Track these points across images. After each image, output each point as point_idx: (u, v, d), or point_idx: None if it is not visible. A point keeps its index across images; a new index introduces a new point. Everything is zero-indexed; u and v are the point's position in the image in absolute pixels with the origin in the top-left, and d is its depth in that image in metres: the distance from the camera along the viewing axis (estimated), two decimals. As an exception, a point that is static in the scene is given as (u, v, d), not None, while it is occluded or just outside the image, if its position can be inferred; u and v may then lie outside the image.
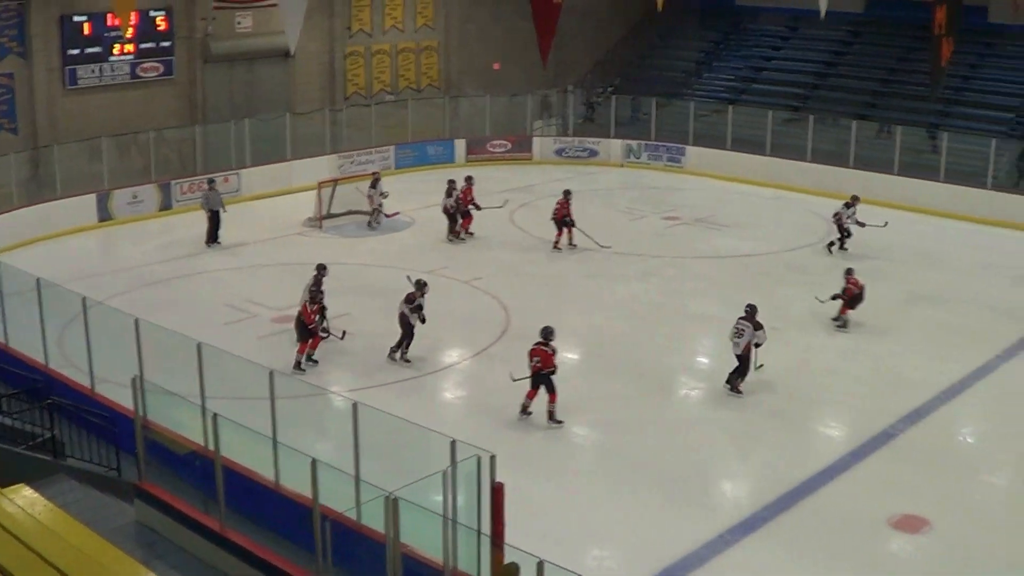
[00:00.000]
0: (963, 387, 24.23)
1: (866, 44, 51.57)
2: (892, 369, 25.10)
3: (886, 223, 33.78)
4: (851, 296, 27.21)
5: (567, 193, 33.32)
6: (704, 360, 26.41)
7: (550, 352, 21.18)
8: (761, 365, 23.65)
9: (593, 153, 47.01)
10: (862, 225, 33.34)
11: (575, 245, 33.18)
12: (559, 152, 47.16)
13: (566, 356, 25.18)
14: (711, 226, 37.27)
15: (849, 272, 27.52)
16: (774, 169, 43.37)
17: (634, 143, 46.89)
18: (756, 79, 51.55)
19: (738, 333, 23.19)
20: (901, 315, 28.84)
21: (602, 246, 33.10)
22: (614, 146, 47.05)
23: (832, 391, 23.95)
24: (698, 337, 27.58)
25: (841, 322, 27.19)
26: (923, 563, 17.66)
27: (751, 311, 23.47)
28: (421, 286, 24.21)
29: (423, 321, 24.14)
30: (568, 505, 18.81)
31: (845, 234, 33.63)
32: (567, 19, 47.29)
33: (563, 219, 32.97)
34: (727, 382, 23.38)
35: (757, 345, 23.23)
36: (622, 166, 46.45)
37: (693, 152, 45.75)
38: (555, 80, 50.53)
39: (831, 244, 33.79)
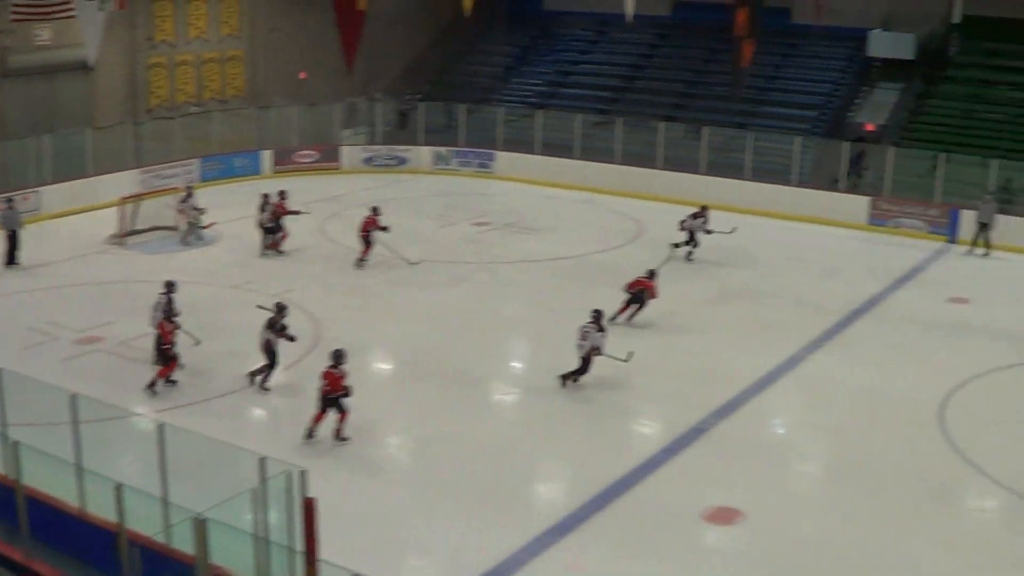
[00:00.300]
0: (773, 379, 24.73)
1: (673, 47, 52.44)
2: (704, 364, 25.43)
3: (734, 229, 34.24)
4: (632, 295, 27.54)
5: (375, 209, 32.83)
6: (517, 365, 26.50)
7: (339, 375, 20.78)
8: (631, 353, 24.04)
9: (402, 161, 46.77)
10: (709, 232, 33.71)
11: (366, 261, 32.63)
12: (368, 161, 46.76)
13: (378, 367, 25.15)
14: (521, 230, 37.42)
15: (649, 275, 27.79)
16: (583, 172, 43.78)
17: (443, 150, 46.85)
18: (564, 83, 51.93)
19: (583, 336, 23.47)
20: (712, 311, 29.31)
21: (410, 263, 32.71)
22: (423, 153, 46.90)
23: (645, 388, 24.12)
24: (510, 342, 27.65)
25: (611, 316, 27.48)
26: (737, 554, 17.87)
27: (597, 316, 23.81)
28: (281, 308, 23.62)
29: (292, 339, 23.56)
30: (384, 517, 18.57)
31: (693, 244, 33.87)
32: (374, 26, 47.19)
33: (368, 234, 32.43)
34: (567, 377, 23.66)
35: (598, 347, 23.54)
36: (432, 173, 46.31)
37: (503, 157, 45.92)
38: (363, 88, 50.27)
39: (689, 252, 33.92)
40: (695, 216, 33.92)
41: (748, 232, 36.38)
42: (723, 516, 18.62)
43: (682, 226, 33.90)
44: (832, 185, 41.21)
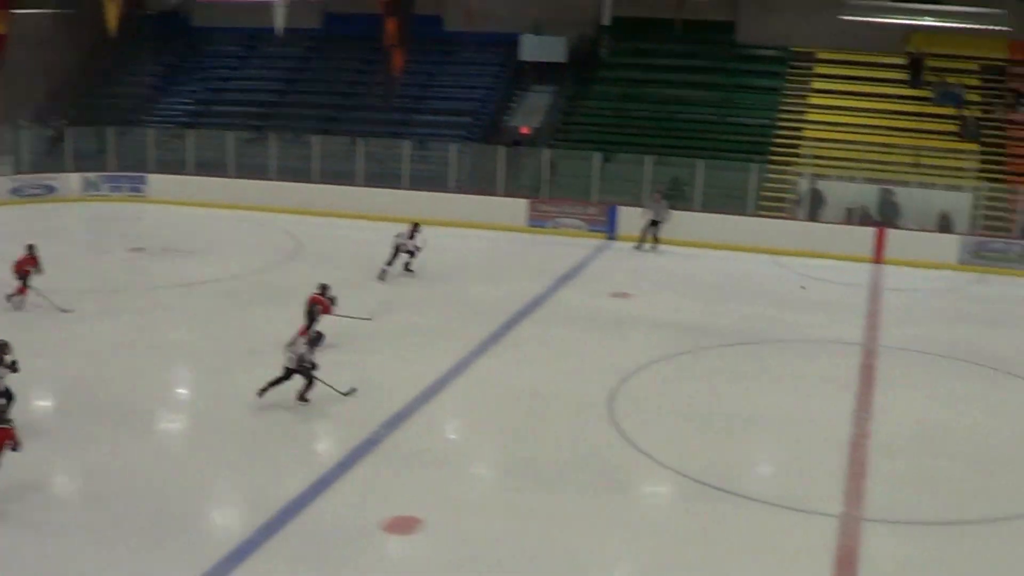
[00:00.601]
0: (442, 386, 24.47)
1: (325, 59, 52.15)
2: (371, 376, 24.99)
3: (424, 242, 33.97)
4: (307, 311, 26.98)
5: (31, 247, 30.90)
6: (182, 391, 25.49)
7: (9, 429, 19.43)
8: (353, 389, 23.64)
9: (51, 189, 44.81)
10: (418, 250, 33.54)
11: (23, 299, 30.79)
12: (14, 192, 44.47)
13: (38, 404, 23.79)
14: (179, 254, 36.26)
15: (321, 290, 27.21)
16: (239, 190, 43.01)
17: (93, 175, 45.20)
18: (216, 100, 50.95)
19: (292, 346, 22.96)
20: (376, 322, 28.95)
21: (63, 310, 30.87)
22: (73, 180, 45.06)
23: (314, 404, 23.55)
24: (173, 369, 26.60)
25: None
26: (421, 561, 17.47)
27: (317, 337, 23.70)
28: (3, 346, 21.97)
29: (16, 370, 21.87)
30: (48, 561, 17.43)
31: (391, 262, 33.43)
32: (16, 49, 45.12)
33: (25, 273, 30.54)
34: (299, 397, 23.07)
35: (308, 358, 23.00)
36: (82, 200, 44.62)
37: (156, 180, 44.71)
38: (7, 115, 48.03)
39: (383, 272, 33.38)
40: (411, 236, 33.68)
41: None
42: (402, 525, 18.24)
43: (401, 246, 33.59)
44: (491, 189, 41.63)
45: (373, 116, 47.01)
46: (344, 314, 27.30)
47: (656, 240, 38.43)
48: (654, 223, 38.45)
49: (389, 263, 33.35)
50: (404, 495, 19.39)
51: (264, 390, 22.97)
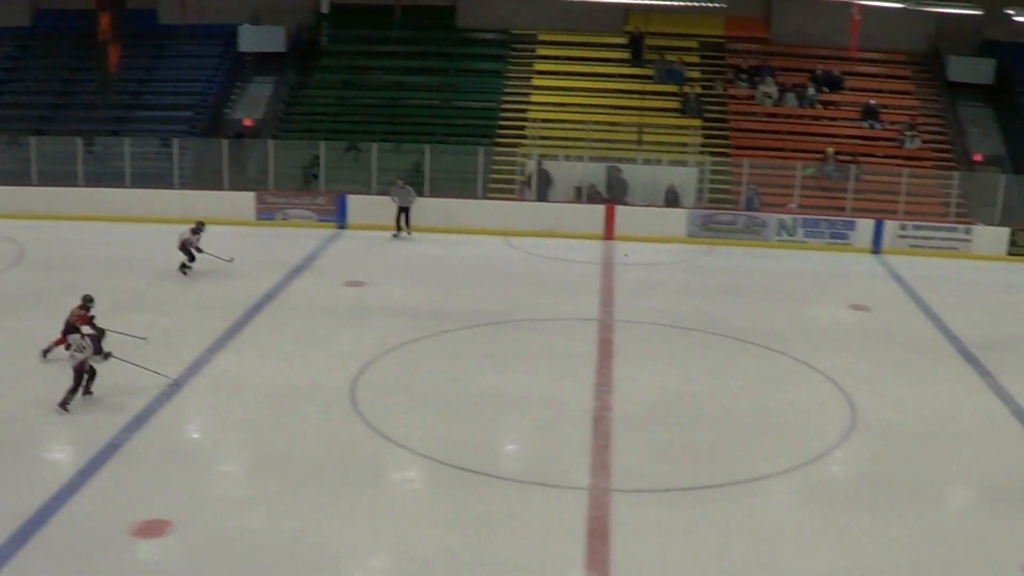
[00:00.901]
0: (181, 385, 23.90)
1: (37, 57, 50.19)
2: (108, 379, 24.18)
3: (231, 258, 33.32)
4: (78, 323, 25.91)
5: None
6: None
7: None
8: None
9: None
10: (200, 252, 32.73)
11: None
12: None
13: None
14: None
15: (83, 302, 26.00)
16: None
17: None
18: (-77, 105, 48.73)
19: (78, 347, 22.32)
20: (110, 323, 28.06)
21: None
22: None
23: (50, 411, 22.64)
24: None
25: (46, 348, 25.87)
26: (174, 563, 17.12)
27: (97, 336, 23.22)
28: None
29: None
30: None
31: (189, 258, 32.68)
32: None
33: None
34: (62, 403, 22.25)
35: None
36: None
37: None
38: None
39: (184, 267, 32.71)
40: (194, 232, 32.86)
41: (133, 240, 35.68)
42: (152, 529, 17.80)
43: (181, 244, 32.70)
44: (217, 183, 40.98)
45: (91, 114, 45.66)
46: (116, 330, 26.27)
47: (408, 226, 38.56)
48: (403, 209, 38.56)
49: (192, 260, 32.81)
50: (151, 498, 18.99)
51: (84, 393, 22.61)
